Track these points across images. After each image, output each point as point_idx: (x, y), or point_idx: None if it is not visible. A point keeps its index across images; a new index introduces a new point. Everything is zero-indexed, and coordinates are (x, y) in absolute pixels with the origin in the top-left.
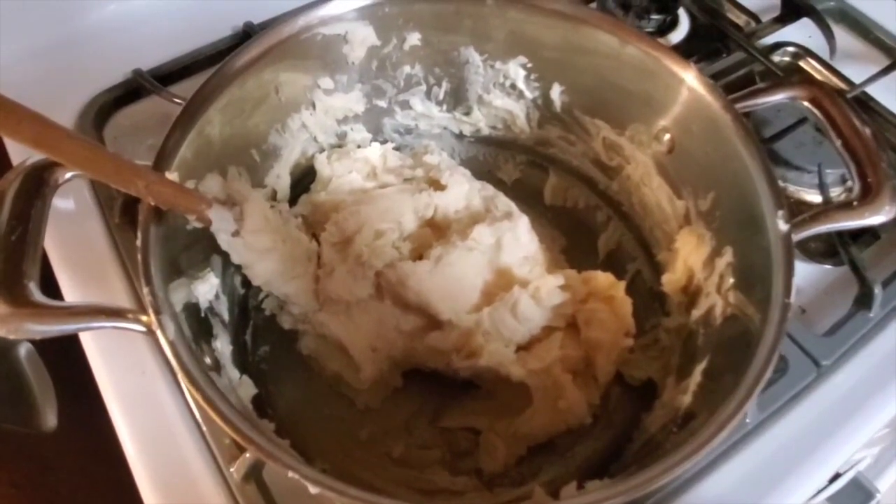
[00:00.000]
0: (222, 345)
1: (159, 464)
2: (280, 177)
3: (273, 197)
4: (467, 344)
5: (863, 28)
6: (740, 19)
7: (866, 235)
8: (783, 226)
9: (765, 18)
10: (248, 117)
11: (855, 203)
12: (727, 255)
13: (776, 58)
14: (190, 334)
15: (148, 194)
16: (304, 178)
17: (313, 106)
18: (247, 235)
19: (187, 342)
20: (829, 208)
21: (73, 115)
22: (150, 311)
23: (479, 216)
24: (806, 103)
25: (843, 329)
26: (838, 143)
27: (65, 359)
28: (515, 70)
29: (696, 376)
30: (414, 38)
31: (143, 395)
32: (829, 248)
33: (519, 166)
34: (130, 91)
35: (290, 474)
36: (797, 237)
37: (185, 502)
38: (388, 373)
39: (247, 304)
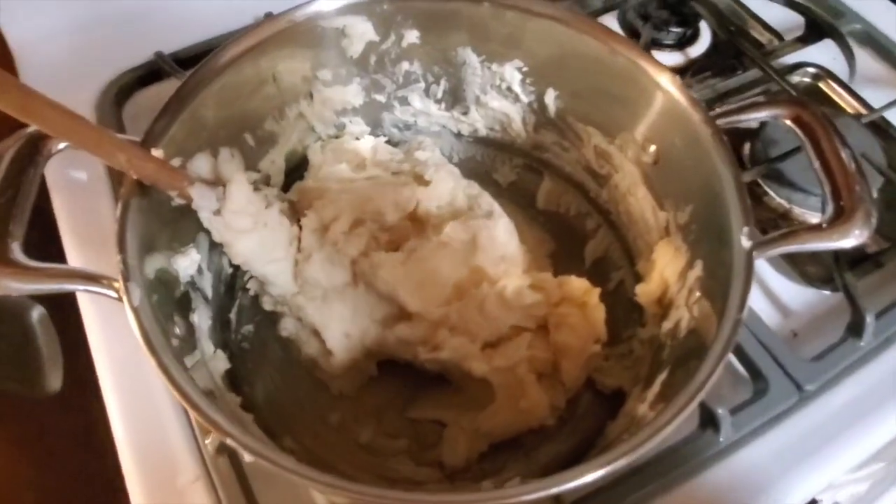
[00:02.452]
0: (200, 319)
1: (140, 430)
2: (275, 162)
3: (267, 182)
4: (433, 337)
5: (888, 53)
6: (763, 37)
7: (867, 263)
8: (746, 242)
9: (788, 37)
10: (245, 103)
11: (824, 225)
12: (697, 269)
13: (796, 78)
14: (163, 304)
15: (130, 168)
16: (302, 166)
17: (311, 96)
18: (227, 215)
19: (155, 311)
20: (798, 229)
21: (95, 92)
22: (120, 277)
23: (461, 213)
24: (789, 122)
25: (830, 355)
26: (816, 163)
27: (68, 326)
28: (511, 73)
29: (656, 387)
30: (412, 36)
31: (131, 363)
32: (828, 274)
33: (515, 169)
34: (151, 72)
35: (229, 440)
36: (763, 255)
37: (162, 469)
38: (363, 361)
39: (234, 283)
